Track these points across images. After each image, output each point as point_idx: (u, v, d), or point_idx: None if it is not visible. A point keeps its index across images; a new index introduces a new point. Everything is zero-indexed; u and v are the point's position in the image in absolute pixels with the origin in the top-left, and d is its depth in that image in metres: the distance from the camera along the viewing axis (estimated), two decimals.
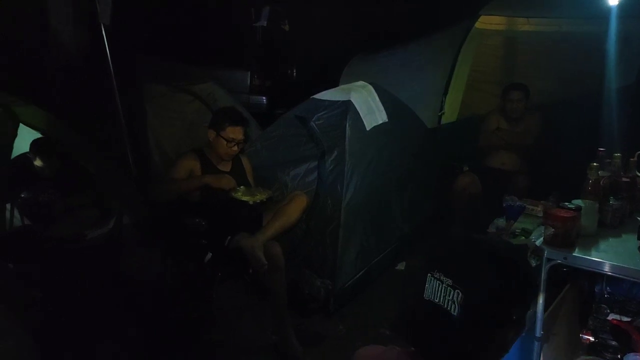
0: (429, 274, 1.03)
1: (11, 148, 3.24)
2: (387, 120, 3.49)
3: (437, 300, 1.00)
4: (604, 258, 1.85)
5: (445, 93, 4.51)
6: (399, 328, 1.07)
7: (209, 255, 2.64)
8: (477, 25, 4.55)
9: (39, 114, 3.13)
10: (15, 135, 3.20)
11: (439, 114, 4.49)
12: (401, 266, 3.51)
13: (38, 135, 3.28)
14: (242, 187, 2.82)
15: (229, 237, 2.71)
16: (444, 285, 1.00)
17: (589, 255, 1.88)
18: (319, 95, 3.49)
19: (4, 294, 2.10)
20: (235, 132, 2.82)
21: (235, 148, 2.85)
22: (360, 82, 3.63)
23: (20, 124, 3.18)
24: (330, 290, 2.94)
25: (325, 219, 3.05)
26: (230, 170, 2.94)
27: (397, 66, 4.44)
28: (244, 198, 2.74)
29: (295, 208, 2.81)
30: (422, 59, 4.49)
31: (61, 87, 3.23)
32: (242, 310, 2.96)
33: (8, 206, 3.30)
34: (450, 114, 4.59)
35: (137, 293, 2.62)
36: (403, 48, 4.60)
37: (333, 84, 4.08)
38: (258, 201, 2.75)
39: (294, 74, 7.56)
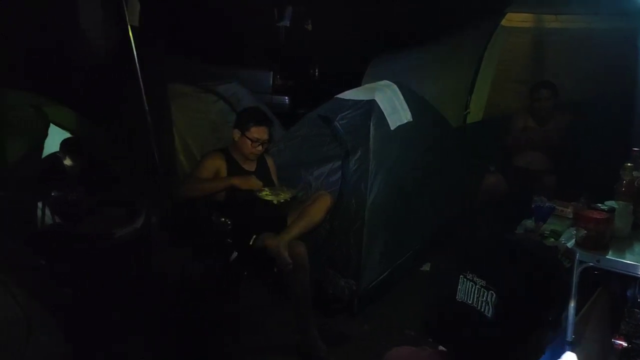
0: (461, 275, 1.02)
1: (42, 148, 3.31)
2: (411, 119, 3.46)
3: (470, 302, 0.99)
4: (638, 261, 1.80)
5: (471, 92, 4.46)
6: (431, 329, 1.05)
7: (235, 254, 2.66)
8: (504, 22, 4.49)
9: (68, 114, 3.19)
10: (45, 135, 3.26)
11: (465, 113, 4.44)
12: (426, 267, 3.48)
13: (67, 135, 3.35)
14: (267, 187, 2.83)
15: (254, 237, 2.73)
16: (477, 286, 0.98)
17: (623, 258, 1.83)
18: (342, 95, 3.48)
19: (37, 290, 2.14)
20: (259, 132, 2.83)
21: (260, 148, 2.86)
22: (385, 82, 3.61)
23: (51, 124, 3.25)
24: (355, 291, 2.93)
25: (349, 219, 3.04)
26: (255, 169, 2.96)
27: (422, 65, 4.40)
28: (269, 198, 2.75)
29: (319, 208, 2.81)
30: (447, 57, 4.44)
31: (90, 88, 3.29)
32: (266, 309, 2.97)
33: (39, 204, 3.37)
34: (475, 113, 4.53)
35: (164, 291, 2.65)
36: (427, 46, 4.56)
37: (356, 83, 4.07)
38: (282, 200, 2.76)
39: (316, 73, 7.56)
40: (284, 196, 2.78)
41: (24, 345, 2.04)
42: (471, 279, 0.99)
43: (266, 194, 2.77)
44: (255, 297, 2.97)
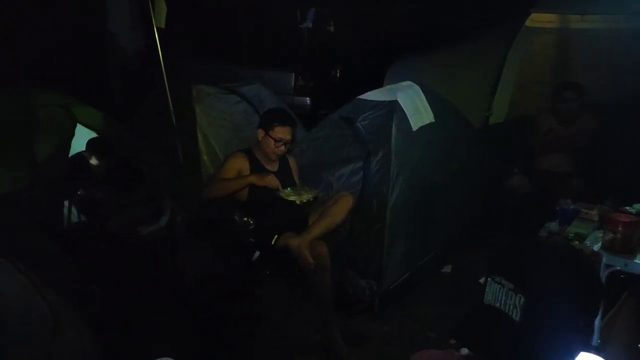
0: (489, 278, 1.01)
1: (69, 147, 3.37)
2: (433, 120, 3.44)
3: (497, 305, 0.98)
4: None
5: (494, 93, 4.41)
6: (457, 332, 1.04)
7: (257, 253, 2.69)
8: (528, 23, 4.42)
9: (95, 114, 3.24)
10: (73, 134, 3.32)
11: (487, 114, 4.39)
12: (447, 269, 3.46)
13: (94, 134, 3.41)
14: (289, 187, 2.85)
15: (276, 236, 2.75)
16: (505, 289, 0.97)
17: None
18: (364, 96, 3.48)
19: (64, 287, 2.19)
20: (283, 132, 2.85)
21: (283, 148, 2.88)
22: (407, 82, 3.59)
23: (78, 124, 3.30)
24: (375, 291, 2.93)
25: (370, 219, 3.04)
26: (278, 169, 2.98)
27: (444, 65, 4.36)
28: (291, 198, 2.77)
29: (341, 208, 2.82)
30: (469, 58, 4.40)
31: (116, 88, 3.35)
32: (288, 308, 2.98)
33: (66, 203, 3.44)
34: (498, 115, 4.48)
35: (188, 290, 2.68)
36: (450, 47, 4.52)
37: (377, 84, 4.06)
38: (305, 201, 2.78)
39: (338, 74, 7.56)
40: (306, 196, 2.80)
41: (51, 342, 2.09)
42: (499, 281, 0.99)
43: (289, 194, 2.79)
44: (276, 296, 2.98)
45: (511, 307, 0.96)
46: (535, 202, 3.57)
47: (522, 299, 0.94)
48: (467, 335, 1.02)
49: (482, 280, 2.98)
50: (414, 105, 3.37)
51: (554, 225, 2.78)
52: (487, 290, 1.01)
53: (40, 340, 2.08)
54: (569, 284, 0.94)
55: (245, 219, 2.74)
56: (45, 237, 2.40)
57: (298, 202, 2.76)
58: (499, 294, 0.98)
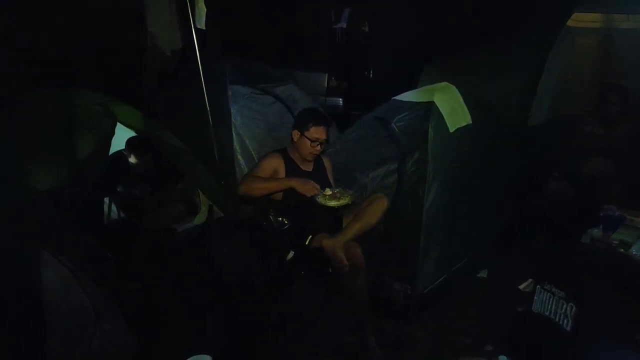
0: (538, 286, 0.98)
1: (109, 145, 3.45)
2: (471, 122, 3.37)
3: (547, 314, 0.95)
4: None
5: (534, 94, 4.29)
6: (502, 341, 1.01)
7: (291, 253, 2.69)
8: (570, 23, 4.30)
9: (134, 113, 3.31)
10: (113, 133, 3.40)
11: (527, 116, 4.28)
12: (483, 274, 3.39)
13: (133, 133, 3.49)
14: (326, 189, 2.84)
15: (310, 237, 2.75)
16: (555, 297, 0.94)
17: None
18: (400, 97, 3.44)
19: (104, 281, 2.24)
20: (318, 132, 2.85)
21: (319, 148, 2.88)
22: (444, 83, 3.53)
23: (118, 123, 3.38)
24: (410, 295, 2.89)
25: (405, 222, 3.00)
26: (312, 170, 2.98)
27: (482, 66, 4.28)
28: (330, 204, 2.76)
29: (375, 210, 2.78)
30: (509, 58, 4.31)
31: (155, 88, 3.41)
32: (321, 309, 2.97)
33: (107, 200, 3.54)
34: (538, 117, 4.36)
35: (222, 287, 2.71)
36: (488, 46, 4.43)
37: (412, 85, 4.01)
38: (343, 204, 2.77)
39: (371, 75, 7.53)
40: (344, 200, 2.79)
41: (91, 333, 2.15)
42: (549, 289, 0.95)
43: (327, 200, 2.77)
44: (309, 296, 2.98)
45: (562, 316, 0.93)
46: (575, 207, 3.46)
47: (574, 308, 0.91)
48: (513, 343, 0.99)
49: (522, 287, 2.92)
50: (451, 106, 3.31)
51: (597, 232, 2.67)
52: (535, 298, 0.98)
53: (81, 331, 2.15)
54: (623, 294, 0.90)
55: (280, 218, 2.74)
56: (86, 232, 2.46)
57: (337, 206, 2.75)
58: (549, 303, 0.94)
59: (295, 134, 2.89)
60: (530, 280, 2.88)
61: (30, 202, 2.41)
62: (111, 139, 3.43)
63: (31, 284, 1.88)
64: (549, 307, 0.94)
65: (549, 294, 0.95)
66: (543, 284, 0.97)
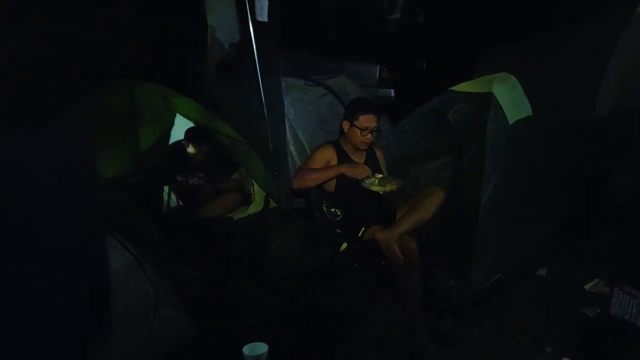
0: (616, 288, 0.93)
1: (169, 136, 3.56)
2: (531, 114, 3.25)
3: (627, 317, 0.90)
4: None
5: (599, 85, 4.08)
6: (566, 343, 0.97)
7: (345, 245, 2.69)
8: None
9: (192, 105, 3.40)
10: (172, 124, 3.50)
11: (591, 107, 4.08)
12: (542, 271, 3.27)
13: (191, 124, 3.58)
14: (376, 174, 2.81)
15: (363, 229, 2.74)
16: (636, 300, 0.89)
17: None
18: (457, 87, 3.35)
19: (165, 267, 2.32)
20: (368, 120, 2.82)
21: (369, 136, 2.84)
22: (503, 74, 3.42)
23: (177, 114, 3.48)
24: (464, 292, 2.83)
25: (461, 217, 2.93)
26: (365, 161, 2.96)
27: (543, 56, 4.10)
28: (375, 188, 2.72)
29: (431, 203, 2.73)
30: (571, 48, 4.10)
31: (213, 81, 3.48)
32: (373, 302, 2.97)
33: (166, 189, 3.67)
34: (604, 109, 4.14)
35: (277, 276, 2.74)
36: (550, 36, 4.23)
37: (466, 76, 3.89)
38: (388, 191, 2.71)
39: (424, 66, 7.37)
40: (390, 187, 2.73)
41: (152, 317, 2.23)
42: (629, 292, 0.90)
43: (372, 184, 2.74)
44: (363, 288, 2.97)
45: None
46: None
47: None
48: (584, 347, 0.94)
49: (588, 287, 2.79)
50: (511, 97, 3.20)
51: None
52: (613, 300, 0.93)
53: (143, 315, 2.24)
54: None
55: (333, 209, 2.74)
56: (148, 219, 2.55)
57: (382, 192, 2.70)
58: (630, 306, 0.89)
59: (345, 125, 2.87)
60: (596, 280, 2.76)
61: (98, 188, 2.52)
62: (171, 129, 3.54)
63: (98, 268, 1.95)
64: (630, 310, 0.89)
65: (629, 296, 0.90)
66: (622, 286, 0.91)
